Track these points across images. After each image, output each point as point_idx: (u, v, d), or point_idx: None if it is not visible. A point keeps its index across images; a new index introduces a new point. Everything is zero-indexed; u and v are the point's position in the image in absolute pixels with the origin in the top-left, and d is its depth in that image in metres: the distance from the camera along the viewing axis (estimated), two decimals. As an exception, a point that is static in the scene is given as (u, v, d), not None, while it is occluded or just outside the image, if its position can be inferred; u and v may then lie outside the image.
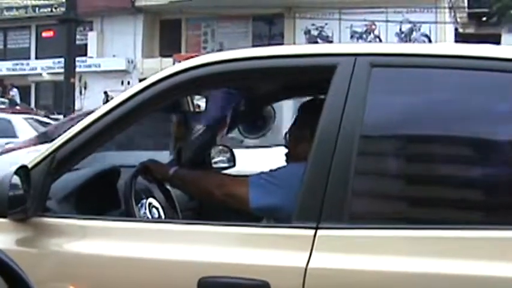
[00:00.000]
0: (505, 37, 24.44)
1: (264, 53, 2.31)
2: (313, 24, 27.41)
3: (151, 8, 28.47)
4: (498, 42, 22.34)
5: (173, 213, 2.86)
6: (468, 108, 2.12)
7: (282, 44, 26.97)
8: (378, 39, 26.76)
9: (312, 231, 2.01)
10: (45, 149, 2.34)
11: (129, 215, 2.52)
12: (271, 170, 2.53)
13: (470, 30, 31.50)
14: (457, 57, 2.12)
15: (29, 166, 2.29)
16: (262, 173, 2.51)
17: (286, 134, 2.73)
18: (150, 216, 2.65)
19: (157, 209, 2.73)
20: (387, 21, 26.23)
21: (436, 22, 25.88)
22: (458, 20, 29.76)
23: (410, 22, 26.24)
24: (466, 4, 32.03)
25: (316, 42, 27.28)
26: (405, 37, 26.45)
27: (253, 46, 27.93)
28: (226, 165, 4.00)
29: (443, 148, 2.14)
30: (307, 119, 2.52)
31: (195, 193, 2.86)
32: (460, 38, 27.02)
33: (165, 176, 2.72)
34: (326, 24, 27.21)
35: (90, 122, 2.32)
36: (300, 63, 2.27)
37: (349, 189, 2.03)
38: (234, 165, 4.12)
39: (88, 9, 22.76)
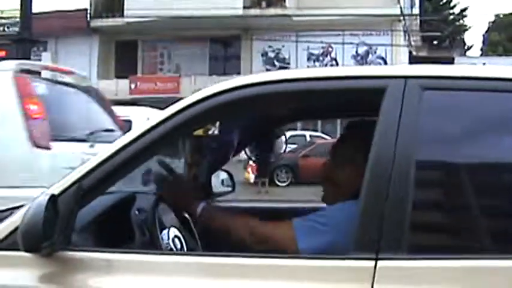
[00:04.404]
0: (458, 60, 24.85)
1: (315, 74, 2.23)
2: (270, 46, 27.52)
3: (107, 29, 28.23)
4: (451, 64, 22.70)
5: (194, 243, 2.69)
6: None
7: (238, 65, 27.03)
8: (334, 62, 27.01)
9: (372, 263, 1.90)
10: (71, 174, 2.18)
11: (154, 246, 2.36)
12: (316, 211, 2.40)
13: (424, 53, 32.12)
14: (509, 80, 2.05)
15: (56, 193, 2.12)
16: (307, 215, 2.37)
17: (324, 166, 2.56)
18: (173, 247, 2.48)
19: (179, 239, 2.56)
20: (344, 43, 26.53)
21: (391, 45, 26.27)
22: (413, 43, 30.30)
23: (366, 45, 26.58)
24: (418, 28, 32.70)
25: (273, 64, 27.41)
26: (361, 59, 26.80)
27: (210, 68, 27.95)
28: (226, 189, 3.90)
29: (501, 173, 2.06)
30: (354, 143, 2.41)
31: (226, 235, 2.49)
32: (413, 60, 27.51)
33: (193, 213, 2.54)
34: (283, 46, 27.35)
35: (122, 146, 2.15)
36: (349, 85, 2.18)
37: (407, 219, 1.93)
38: (233, 190, 4.00)
39: (42, 30, 22.36)
